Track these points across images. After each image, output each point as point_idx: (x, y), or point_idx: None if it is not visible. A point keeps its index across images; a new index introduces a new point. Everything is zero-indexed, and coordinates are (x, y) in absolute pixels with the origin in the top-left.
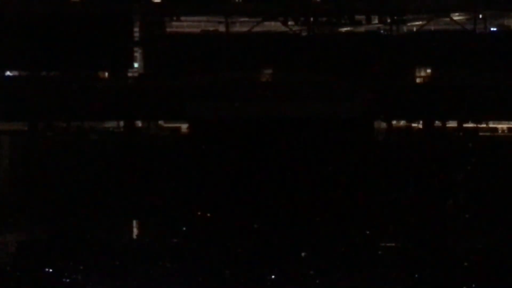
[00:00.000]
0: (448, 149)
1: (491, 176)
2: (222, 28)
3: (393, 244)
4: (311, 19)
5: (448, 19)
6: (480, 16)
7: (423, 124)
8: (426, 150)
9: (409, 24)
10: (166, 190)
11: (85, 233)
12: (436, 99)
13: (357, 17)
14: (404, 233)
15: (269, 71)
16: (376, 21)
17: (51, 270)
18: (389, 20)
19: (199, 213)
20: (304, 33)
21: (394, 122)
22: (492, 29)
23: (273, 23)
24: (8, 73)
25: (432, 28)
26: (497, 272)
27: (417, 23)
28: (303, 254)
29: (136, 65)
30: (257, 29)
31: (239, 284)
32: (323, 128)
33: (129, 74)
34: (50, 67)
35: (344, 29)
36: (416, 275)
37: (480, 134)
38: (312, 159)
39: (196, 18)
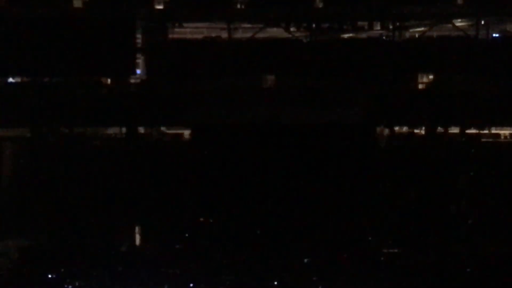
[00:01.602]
0: (451, 155)
1: (493, 182)
2: (224, 35)
3: (396, 250)
4: (313, 25)
5: (450, 25)
6: (482, 22)
7: (425, 130)
8: (428, 156)
9: (411, 30)
10: (169, 196)
11: (87, 239)
12: (439, 105)
13: (359, 23)
14: (407, 239)
15: (271, 77)
16: (378, 27)
17: (53, 276)
18: (391, 26)
19: (201, 219)
20: (306, 39)
21: (396, 128)
22: (494, 35)
23: (275, 29)
24: (10, 79)
25: (434, 34)
26: (500, 278)
27: (419, 29)
28: (306, 260)
29: (138, 71)
30: (260, 35)
31: None
32: (325, 134)
33: (132, 80)
34: (52, 73)
35: (346, 35)
36: (419, 281)
37: (483, 140)
38: (315, 165)
39: (198, 24)
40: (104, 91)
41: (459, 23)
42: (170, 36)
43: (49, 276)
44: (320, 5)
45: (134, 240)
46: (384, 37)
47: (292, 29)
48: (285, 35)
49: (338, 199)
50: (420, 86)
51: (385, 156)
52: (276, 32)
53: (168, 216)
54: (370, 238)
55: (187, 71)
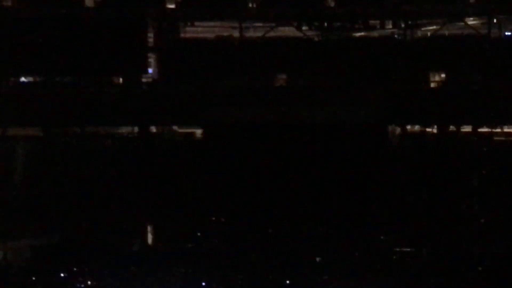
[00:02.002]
0: (463, 153)
1: (506, 180)
2: (236, 34)
3: (408, 249)
4: (325, 24)
5: (462, 23)
6: (495, 20)
7: (437, 129)
8: (440, 154)
9: (423, 28)
10: (180, 195)
11: (99, 238)
12: (451, 103)
13: (371, 22)
14: (419, 238)
15: (283, 76)
16: (390, 26)
17: (65, 275)
18: (403, 25)
19: (213, 218)
20: (318, 38)
21: (408, 126)
22: (506, 33)
23: (287, 28)
24: (22, 78)
25: (446, 32)
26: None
27: (431, 27)
28: (317, 259)
29: (150, 70)
30: (271, 34)
31: None
32: (337, 133)
33: (144, 80)
34: (64, 72)
35: (358, 34)
36: (431, 280)
37: (495, 138)
38: (327, 164)
39: (210, 23)
40: (116, 90)
41: (471, 21)
42: (182, 35)
43: (62, 275)
44: (332, 4)
45: (146, 240)
46: (396, 36)
47: (303, 28)
48: (297, 34)
49: (350, 198)
50: (432, 85)
51: (397, 155)
52: (287, 31)
53: (180, 216)
54: (382, 237)
55: (199, 70)
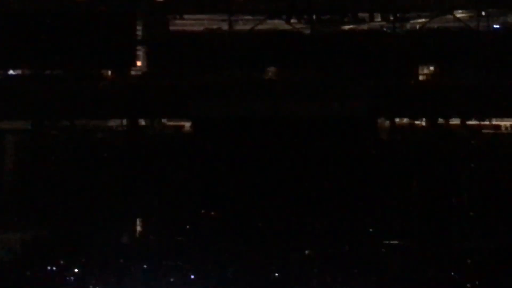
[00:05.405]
0: (452, 147)
1: (495, 173)
2: (225, 26)
3: (397, 242)
4: (314, 17)
5: (451, 16)
6: (483, 13)
7: (426, 122)
8: (429, 148)
9: (412, 21)
10: (170, 188)
11: (88, 232)
12: (440, 97)
13: (360, 15)
14: (408, 231)
15: (272, 69)
16: (379, 19)
17: (55, 268)
18: (392, 18)
19: (202, 212)
20: (307, 31)
21: (397, 120)
22: (495, 26)
23: (276, 21)
24: (11, 71)
25: (435, 25)
26: (500, 271)
27: (420, 20)
28: (306, 252)
29: (139, 63)
30: (260, 27)
31: (243, 282)
32: (326, 127)
33: (133, 73)
34: (53, 65)
35: (347, 27)
36: (420, 274)
37: (484, 131)
38: (316, 158)
39: (199, 16)
40: (105, 83)
41: (460, 14)
42: (171, 28)
43: (51, 268)
44: None
45: (135, 232)
46: (385, 29)
47: (293, 21)
48: (286, 27)
49: (339, 191)
50: (421, 78)
51: (386, 148)
52: (277, 24)
53: (169, 209)
54: (370, 230)
55: (188, 63)
